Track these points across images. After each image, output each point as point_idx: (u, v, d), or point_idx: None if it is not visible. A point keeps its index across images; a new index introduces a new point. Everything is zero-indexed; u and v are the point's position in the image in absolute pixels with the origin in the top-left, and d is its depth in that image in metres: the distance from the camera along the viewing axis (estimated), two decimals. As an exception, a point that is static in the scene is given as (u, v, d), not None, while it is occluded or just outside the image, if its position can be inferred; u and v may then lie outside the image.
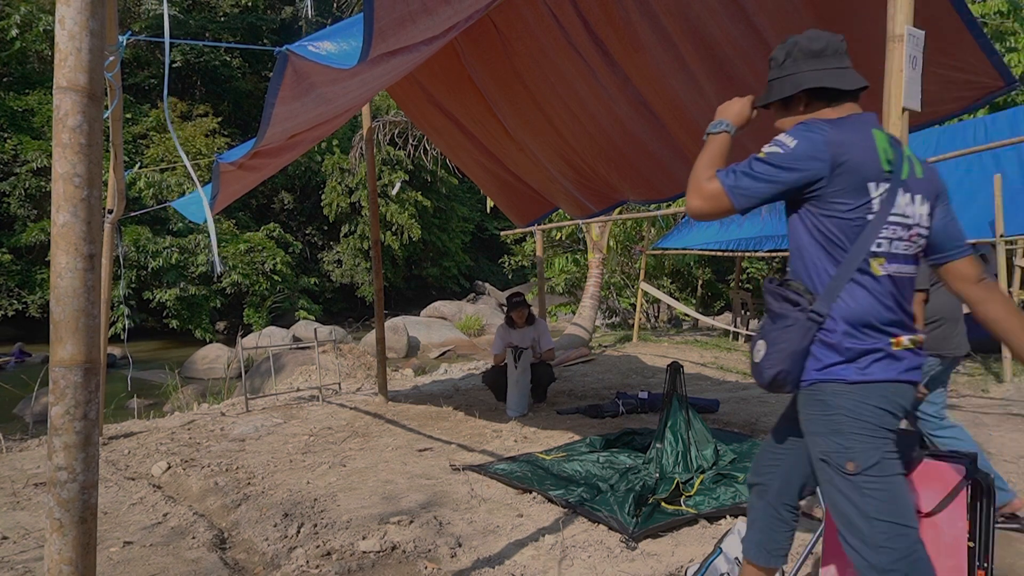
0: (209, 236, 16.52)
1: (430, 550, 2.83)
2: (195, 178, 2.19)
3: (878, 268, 1.61)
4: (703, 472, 3.67)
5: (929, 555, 1.60)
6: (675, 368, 3.95)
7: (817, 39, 1.72)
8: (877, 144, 1.62)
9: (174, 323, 16.43)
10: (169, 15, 2.14)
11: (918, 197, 1.66)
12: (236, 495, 3.57)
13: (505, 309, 5.85)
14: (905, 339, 1.63)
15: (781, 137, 1.62)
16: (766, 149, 1.62)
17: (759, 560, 1.95)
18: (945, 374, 3.32)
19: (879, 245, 1.60)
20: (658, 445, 3.75)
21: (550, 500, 3.37)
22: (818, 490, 2.07)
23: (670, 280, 13.92)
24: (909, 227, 1.64)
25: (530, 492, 3.49)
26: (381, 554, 2.80)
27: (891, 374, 1.61)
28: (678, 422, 3.80)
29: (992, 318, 1.69)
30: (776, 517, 1.91)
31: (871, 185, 1.59)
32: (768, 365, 1.64)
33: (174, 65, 20.64)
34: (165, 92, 2.06)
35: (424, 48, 2.75)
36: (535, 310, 8.00)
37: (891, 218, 1.60)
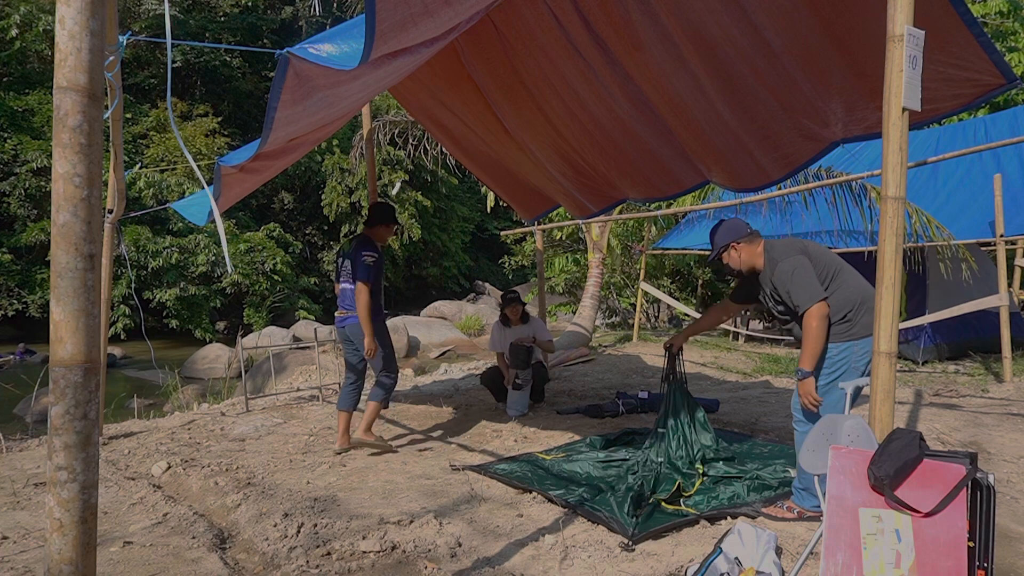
0: (211, 236, 16.54)
1: (430, 550, 2.83)
2: (202, 178, 2.19)
3: (338, 286, 4.43)
4: (704, 458, 3.69)
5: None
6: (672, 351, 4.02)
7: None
8: (344, 246, 4.59)
9: (174, 323, 16.41)
10: (169, 15, 2.13)
11: (347, 261, 4.37)
12: (236, 495, 3.57)
13: (500, 307, 5.86)
14: (338, 312, 4.40)
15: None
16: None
17: (348, 407, 4.45)
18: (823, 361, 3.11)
19: (339, 278, 4.42)
20: (660, 430, 3.76)
21: (550, 500, 3.37)
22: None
23: (670, 280, 13.91)
24: (347, 269, 4.36)
25: (530, 492, 3.49)
26: (381, 554, 2.81)
27: (337, 324, 4.45)
28: (678, 405, 3.85)
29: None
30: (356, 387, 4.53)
31: (339, 260, 4.48)
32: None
33: (174, 65, 20.64)
34: (168, 92, 2.06)
35: (425, 50, 2.75)
36: (535, 310, 8.00)
37: (342, 269, 4.41)
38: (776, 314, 3.29)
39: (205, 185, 2.33)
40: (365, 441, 4.40)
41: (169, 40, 2.01)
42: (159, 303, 16.20)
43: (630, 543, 2.82)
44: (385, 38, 2.18)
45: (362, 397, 4.64)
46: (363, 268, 4.22)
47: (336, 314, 4.46)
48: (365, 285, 4.20)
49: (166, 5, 1.98)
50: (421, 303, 20.61)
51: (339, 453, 4.38)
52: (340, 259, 4.49)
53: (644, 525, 2.97)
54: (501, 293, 6.09)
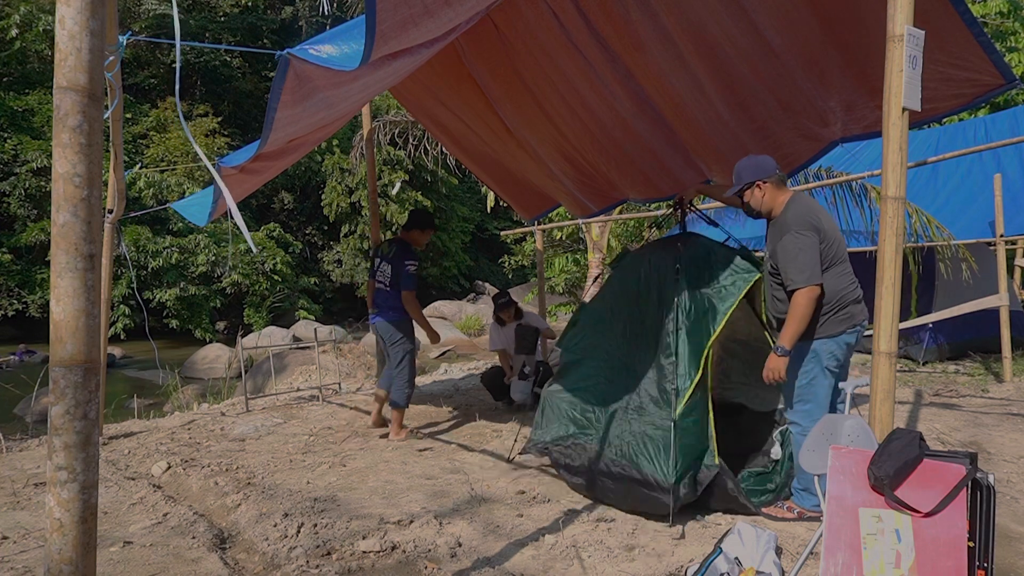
0: (211, 236, 16.53)
1: (430, 550, 2.83)
2: (214, 171, 2.17)
3: (373, 286, 4.81)
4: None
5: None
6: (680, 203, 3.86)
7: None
8: (382, 247, 4.92)
9: (174, 323, 16.42)
10: (170, 15, 2.14)
11: (386, 265, 4.68)
12: (236, 495, 3.57)
13: (493, 310, 5.88)
14: (372, 310, 4.81)
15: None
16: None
17: (386, 386, 4.78)
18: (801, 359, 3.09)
19: (376, 278, 4.78)
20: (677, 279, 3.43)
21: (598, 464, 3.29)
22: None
23: (670, 280, 13.88)
24: (385, 272, 4.68)
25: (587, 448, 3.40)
26: (381, 554, 2.81)
27: (371, 320, 4.89)
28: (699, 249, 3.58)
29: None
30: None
31: (375, 260, 4.85)
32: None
33: (174, 65, 20.64)
34: (177, 93, 2.06)
35: (425, 50, 2.74)
36: (535, 310, 8.00)
37: (378, 270, 4.76)
38: (768, 270, 3.21)
39: (219, 179, 2.32)
40: (403, 440, 4.66)
41: (178, 41, 2.01)
42: (159, 303, 16.21)
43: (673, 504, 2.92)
44: (385, 39, 2.18)
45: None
46: (409, 278, 4.60)
47: (371, 311, 4.93)
48: (412, 293, 4.63)
49: (174, 6, 1.97)
50: (421, 303, 20.51)
51: (372, 429, 4.93)
52: (378, 261, 4.81)
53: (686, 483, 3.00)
54: (492, 297, 6.12)
